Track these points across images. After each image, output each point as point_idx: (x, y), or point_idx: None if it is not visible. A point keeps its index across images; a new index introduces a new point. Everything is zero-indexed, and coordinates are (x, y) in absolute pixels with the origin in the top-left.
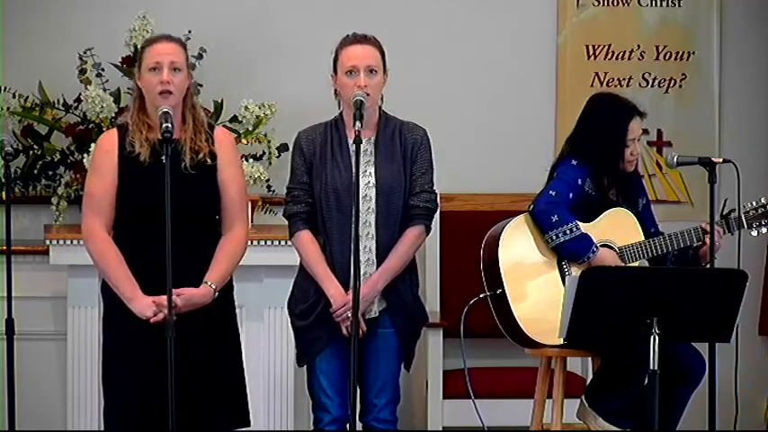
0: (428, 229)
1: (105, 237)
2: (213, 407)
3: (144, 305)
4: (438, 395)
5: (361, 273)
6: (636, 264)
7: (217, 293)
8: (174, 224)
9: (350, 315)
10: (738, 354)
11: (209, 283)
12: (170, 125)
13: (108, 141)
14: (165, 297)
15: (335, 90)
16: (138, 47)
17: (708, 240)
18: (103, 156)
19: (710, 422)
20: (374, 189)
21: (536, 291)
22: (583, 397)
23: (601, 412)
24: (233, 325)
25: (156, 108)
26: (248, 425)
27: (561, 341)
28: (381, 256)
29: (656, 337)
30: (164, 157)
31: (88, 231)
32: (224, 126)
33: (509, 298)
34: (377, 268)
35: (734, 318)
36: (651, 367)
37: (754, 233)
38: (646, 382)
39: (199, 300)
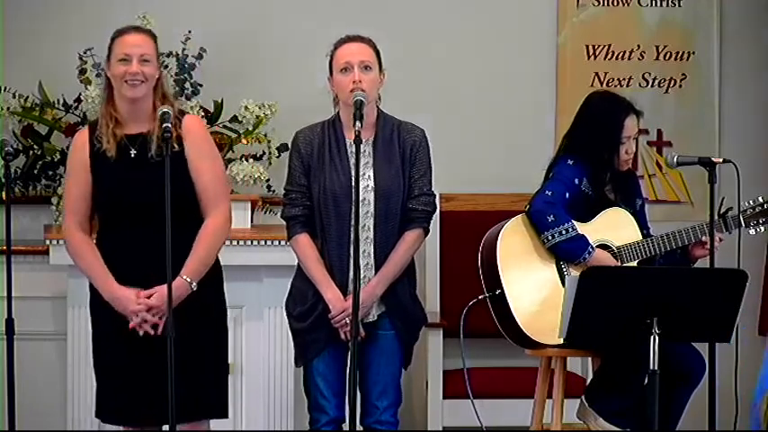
0: (426, 232)
1: (80, 236)
2: (190, 395)
3: (122, 304)
4: (438, 395)
5: (360, 276)
6: (633, 264)
7: (195, 286)
8: (150, 219)
9: (348, 321)
10: (738, 354)
11: (185, 277)
12: (170, 125)
13: (79, 140)
14: (148, 292)
15: (335, 97)
16: None
17: (704, 240)
18: (75, 154)
19: (710, 422)
20: (372, 193)
21: (535, 291)
22: (583, 397)
23: (601, 412)
24: (219, 317)
25: (123, 99)
26: (225, 416)
27: (561, 341)
28: (379, 259)
29: (656, 337)
30: (158, 154)
31: (64, 232)
32: (224, 126)
33: (508, 299)
34: (375, 272)
35: (734, 318)
36: (651, 367)
37: (752, 232)
38: (646, 382)
39: (173, 294)
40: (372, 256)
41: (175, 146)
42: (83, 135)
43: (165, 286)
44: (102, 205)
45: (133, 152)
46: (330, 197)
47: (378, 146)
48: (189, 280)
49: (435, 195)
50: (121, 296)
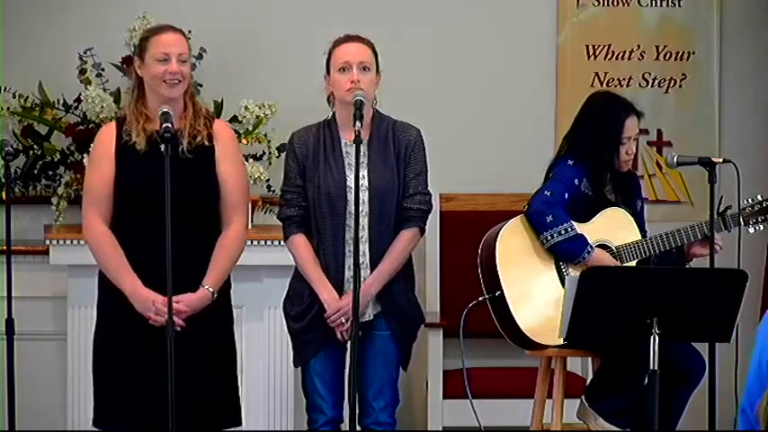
0: (422, 231)
1: (103, 230)
2: (205, 406)
3: (145, 304)
4: (438, 395)
5: (360, 276)
6: (632, 263)
7: (216, 296)
8: (172, 217)
9: (344, 321)
10: (738, 354)
11: (207, 287)
12: (170, 125)
13: (106, 133)
14: (166, 299)
15: (328, 96)
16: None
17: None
18: (100, 147)
19: (710, 422)
20: (367, 192)
21: (535, 292)
22: (583, 397)
23: (601, 412)
24: (229, 324)
25: (158, 97)
26: (239, 424)
27: (561, 341)
28: (374, 258)
29: (656, 337)
30: (162, 149)
31: (86, 225)
32: None
33: (508, 300)
34: (370, 271)
35: (734, 318)
36: (651, 367)
37: (751, 230)
38: (646, 382)
39: (197, 305)
40: (367, 255)
41: (206, 142)
42: (110, 128)
43: (190, 294)
44: (124, 198)
45: (163, 146)
46: (324, 197)
47: (373, 145)
48: (211, 290)
49: (431, 195)
50: (147, 297)
